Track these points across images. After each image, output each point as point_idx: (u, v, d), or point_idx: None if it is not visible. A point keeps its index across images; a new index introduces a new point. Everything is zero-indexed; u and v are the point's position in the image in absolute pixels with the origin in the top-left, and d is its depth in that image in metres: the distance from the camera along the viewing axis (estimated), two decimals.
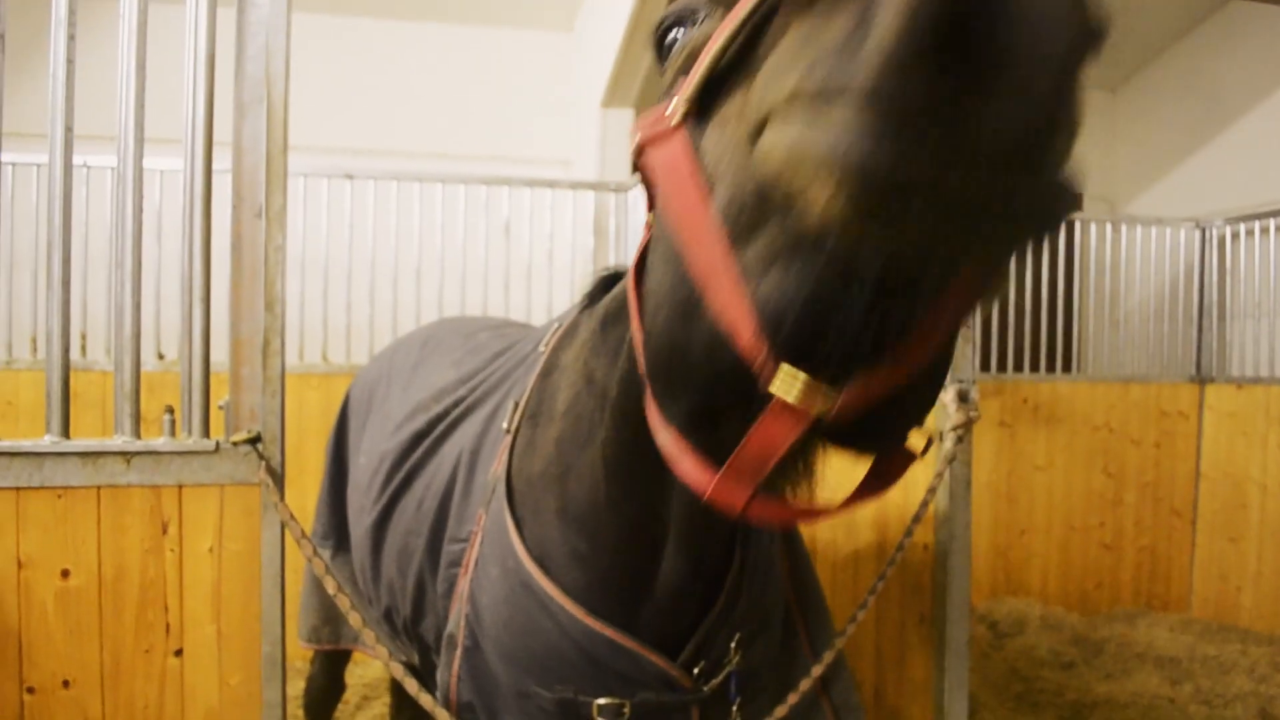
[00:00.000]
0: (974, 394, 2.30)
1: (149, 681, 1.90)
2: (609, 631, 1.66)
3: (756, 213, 0.93)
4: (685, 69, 1.12)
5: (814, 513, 1.19)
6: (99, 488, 1.86)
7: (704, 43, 1.08)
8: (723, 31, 1.01)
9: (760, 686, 1.87)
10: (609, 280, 1.98)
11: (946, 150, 0.69)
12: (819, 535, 2.95)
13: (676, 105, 1.07)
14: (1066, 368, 7.06)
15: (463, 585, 1.88)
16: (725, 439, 1.10)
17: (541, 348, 2.07)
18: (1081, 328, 7.25)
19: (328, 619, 3.01)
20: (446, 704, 1.85)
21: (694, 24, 1.18)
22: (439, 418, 2.39)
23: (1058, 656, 5.90)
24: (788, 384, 0.96)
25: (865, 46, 0.69)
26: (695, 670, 1.71)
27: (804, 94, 0.77)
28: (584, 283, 2.05)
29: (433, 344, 2.92)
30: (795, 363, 0.94)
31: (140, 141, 1.88)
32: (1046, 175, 0.76)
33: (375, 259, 5.80)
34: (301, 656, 4.50)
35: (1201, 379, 6.91)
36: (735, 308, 0.95)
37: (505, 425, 1.95)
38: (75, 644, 1.87)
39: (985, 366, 6.68)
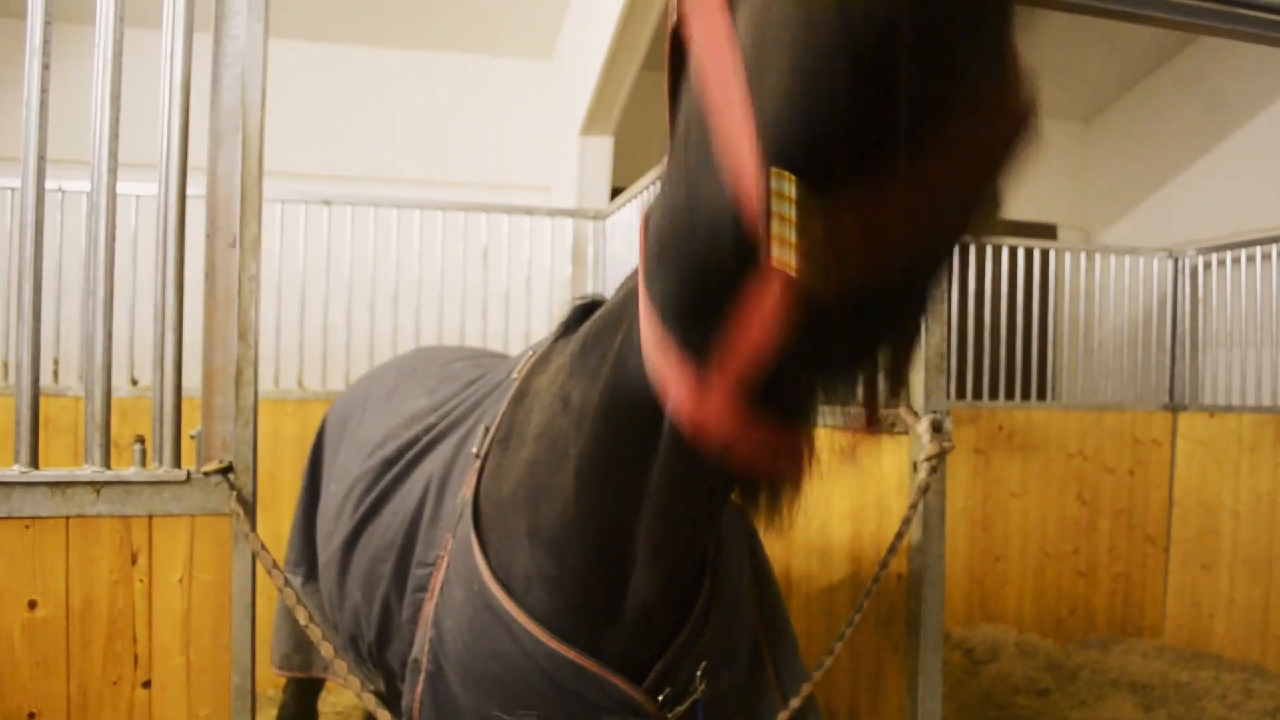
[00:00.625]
0: (948, 424, 2.32)
1: (117, 713, 1.88)
2: (573, 654, 1.65)
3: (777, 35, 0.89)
4: None
5: (804, 450, 1.16)
6: (68, 518, 1.85)
7: None
8: None
9: (728, 716, 1.86)
10: (585, 309, 1.98)
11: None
12: (793, 566, 2.95)
13: None
14: (1041, 395, 7.13)
15: (428, 610, 1.87)
16: (716, 344, 1.06)
17: (514, 375, 2.07)
18: (1056, 356, 7.32)
19: (299, 647, 2.99)
20: None
21: None
22: (409, 444, 2.39)
23: (1032, 683, 5.92)
24: (781, 230, 0.90)
25: None
26: (660, 697, 1.70)
27: None
28: (561, 310, 2.07)
29: (408, 372, 2.92)
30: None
31: (114, 171, 1.88)
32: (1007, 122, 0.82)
33: (352, 285, 5.79)
34: (274, 685, 4.46)
35: (1174, 407, 6.98)
36: (744, 147, 0.91)
37: (475, 450, 1.95)
38: (42, 675, 1.84)
39: (960, 394, 6.72)
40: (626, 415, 1.49)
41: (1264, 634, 6.21)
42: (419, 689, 1.82)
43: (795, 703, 1.95)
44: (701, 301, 1.09)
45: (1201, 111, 8.23)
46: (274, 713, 3.77)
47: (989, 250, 6.72)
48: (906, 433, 2.40)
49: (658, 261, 1.18)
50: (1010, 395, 6.96)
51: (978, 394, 6.78)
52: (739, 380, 1.05)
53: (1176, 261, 7.07)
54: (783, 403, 1.12)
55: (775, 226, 0.90)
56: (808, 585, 2.84)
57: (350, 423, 2.87)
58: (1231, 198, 7.95)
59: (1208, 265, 6.93)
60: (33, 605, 1.84)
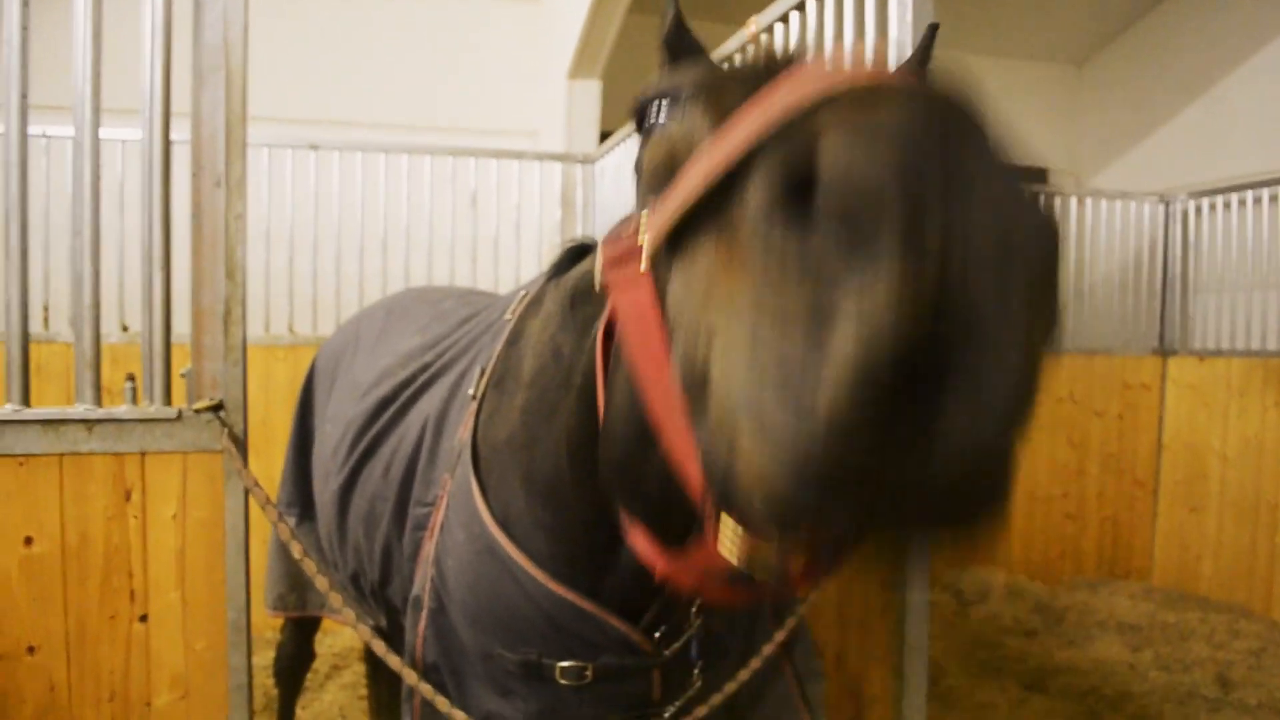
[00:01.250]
0: None
1: (114, 647, 1.91)
2: (572, 596, 1.68)
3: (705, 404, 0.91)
4: (656, 185, 1.09)
5: (761, 594, 1.31)
6: (61, 455, 1.86)
7: (681, 151, 1.05)
8: (690, 184, 0.95)
9: (723, 650, 1.90)
10: (576, 252, 1.99)
11: (883, 497, 0.71)
12: None
13: (645, 249, 1.04)
14: None
15: (428, 549, 1.90)
16: (677, 529, 1.23)
17: (508, 315, 2.08)
18: None
19: (294, 586, 3.03)
20: (413, 664, 1.88)
21: (674, 105, 1.14)
22: (404, 384, 2.41)
23: (1020, 624, 6.01)
24: (728, 538, 1.03)
25: (819, 386, 0.68)
26: (656, 635, 1.73)
27: (758, 409, 0.75)
28: (550, 254, 2.07)
29: (398, 312, 2.93)
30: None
31: (97, 110, 1.87)
32: (976, 504, 0.77)
33: (341, 230, 5.77)
34: (270, 627, 4.51)
35: (1164, 351, 7.02)
36: (686, 459, 0.98)
37: (471, 391, 1.97)
38: (39, 611, 1.87)
39: None
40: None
41: (1250, 576, 6.30)
42: (421, 625, 1.85)
43: (781, 635, 1.99)
44: (657, 515, 1.31)
45: (1193, 56, 8.18)
46: (271, 654, 3.82)
47: None
48: None
49: (616, 485, 1.36)
50: None
51: None
52: (696, 573, 1.24)
53: (1168, 206, 7.07)
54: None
55: (721, 533, 1.03)
56: None
57: (342, 363, 2.88)
58: (1223, 142, 7.93)
59: (1199, 210, 6.92)
60: (29, 541, 1.86)
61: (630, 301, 1.07)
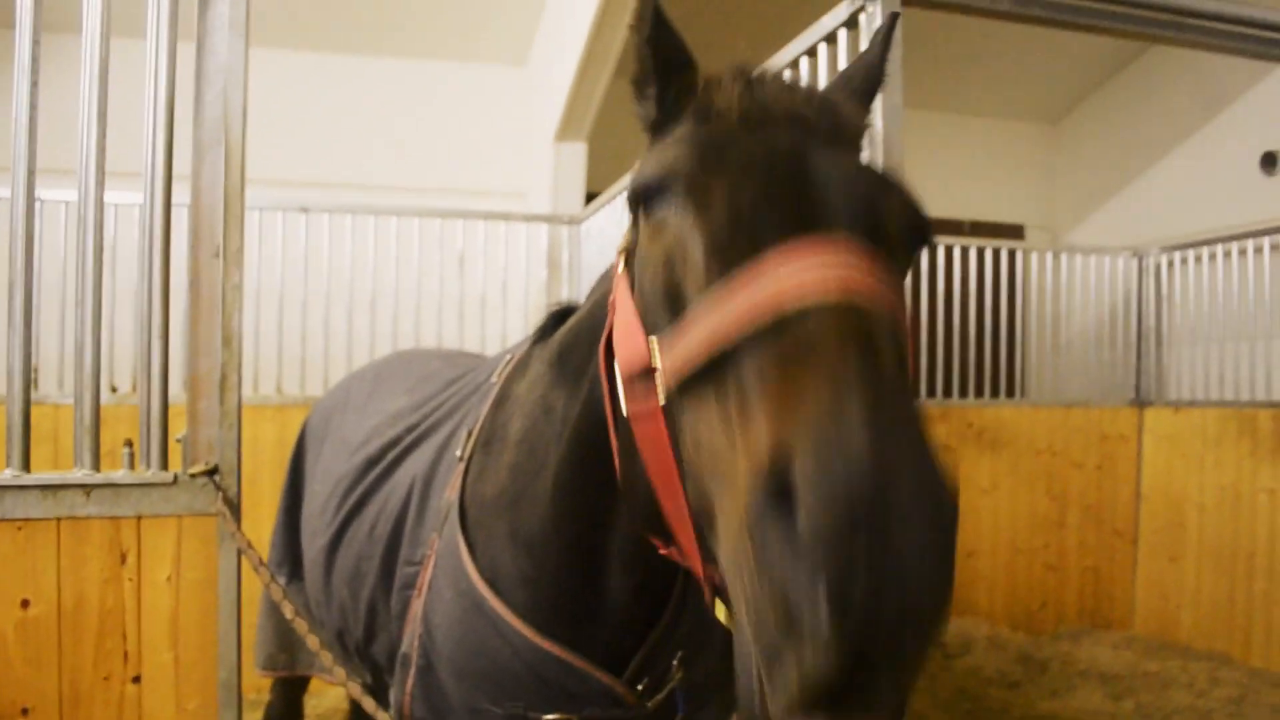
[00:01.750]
0: None
1: (108, 708, 1.94)
2: (557, 650, 1.74)
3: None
4: (658, 297, 1.21)
5: None
6: (59, 519, 1.91)
7: (677, 260, 1.18)
8: (693, 349, 1.09)
9: (705, 701, 1.95)
10: (560, 315, 2.05)
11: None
12: None
13: (659, 389, 1.16)
14: (1010, 393, 7.25)
15: (416, 607, 1.95)
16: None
17: (494, 379, 2.15)
18: (1025, 354, 7.46)
19: (284, 646, 3.05)
20: None
21: (671, 198, 1.22)
22: (392, 443, 2.46)
23: (1004, 675, 6.03)
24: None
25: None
26: (639, 687, 1.79)
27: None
28: (537, 314, 2.15)
29: (387, 374, 2.99)
30: None
31: (101, 185, 1.95)
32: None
33: (330, 291, 5.84)
34: (256, 689, 4.51)
35: (1140, 403, 7.12)
36: (694, 556, 1.19)
37: (459, 453, 2.03)
38: (34, 672, 1.91)
39: (930, 392, 6.84)
40: (602, 430, 1.57)
41: (1230, 624, 6.35)
42: (409, 683, 1.90)
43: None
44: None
45: (1165, 113, 8.41)
46: (258, 715, 3.81)
47: (957, 251, 6.85)
48: None
49: (643, 522, 1.44)
50: (980, 393, 7.08)
51: (948, 392, 6.89)
52: None
53: (1141, 260, 7.22)
54: None
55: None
56: None
57: (332, 423, 2.94)
58: (1195, 196, 8.13)
59: (1171, 264, 7.08)
60: (25, 604, 1.90)
61: (648, 432, 1.19)
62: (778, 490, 0.86)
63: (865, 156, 1.37)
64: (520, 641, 1.76)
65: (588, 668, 1.75)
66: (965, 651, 6.41)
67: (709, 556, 1.16)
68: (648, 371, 1.18)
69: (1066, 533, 6.96)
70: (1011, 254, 7.08)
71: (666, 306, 1.18)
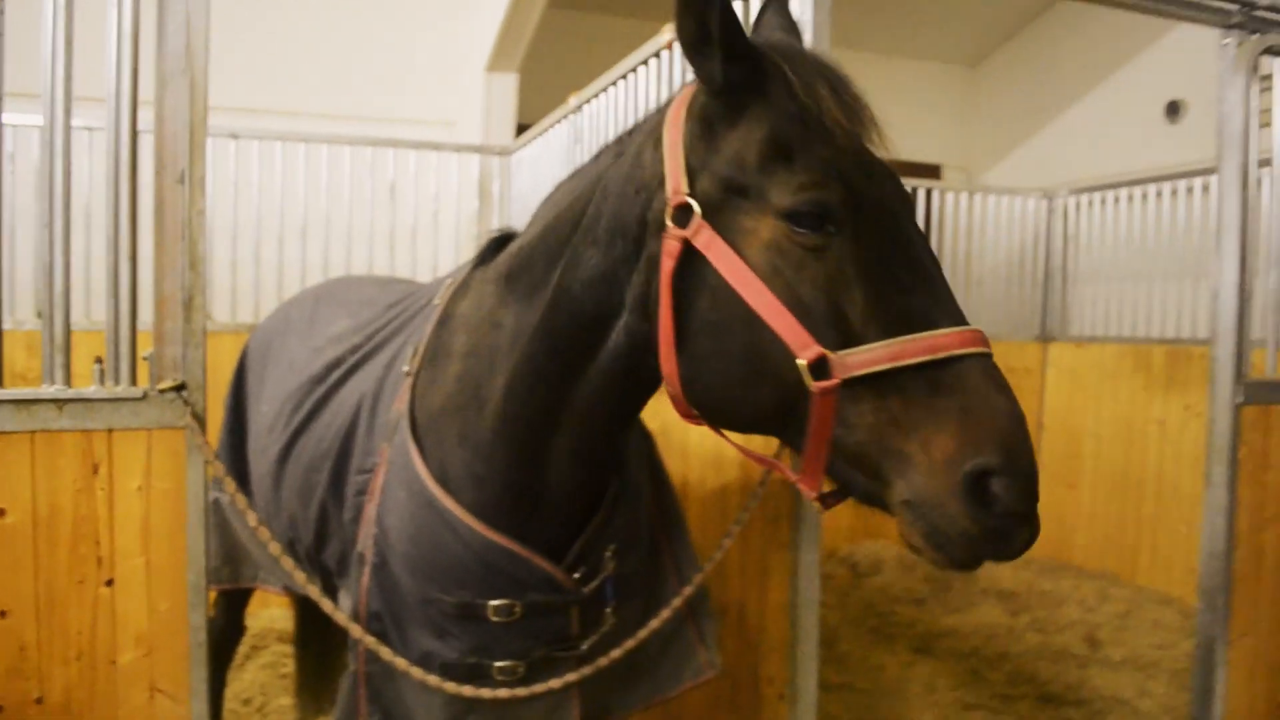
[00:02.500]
0: None
1: (82, 609, 2.06)
2: (503, 541, 1.95)
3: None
4: (834, 312, 1.50)
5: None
6: (33, 433, 2.01)
7: (844, 293, 1.51)
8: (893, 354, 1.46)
9: (632, 593, 2.19)
10: (499, 241, 2.25)
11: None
12: (690, 476, 3.25)
13: (834, 373, 1.48)
14: None
15: (370, 510, 2.12)
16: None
17: (436, 300, 2.31)
18: None
19: (228, 559, 3.16)
20: (356, 615, 2.09)
21: (827, 232, 1.52)
22: (336, 363, 2.60)
23: (910, 593, 6.40)
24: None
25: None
26: (575, 575, 2.02)
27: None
28: (468, 244, 2.32)
29: (326, 298, 3.10)
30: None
31: (68, 110, 2.02)
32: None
33: (260, 219, 5.84)
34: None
35: (1045, 338, 7.48)
36: (816, 473, 1.55)
37: (405, 369, 2.20)
38: (12, 576, 2.01)
39: None
40: (565, 338, 1.83)
41: (1119, 546, 6.81)
42: (365, 580, 2.07)
43: (688, 590, 2.27)
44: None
45: (1078, 59, 8.70)
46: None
47: None
48: None
49: (710, 415, 1.68)
50: None
51: None
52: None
53: (1050, 201, 7.53)
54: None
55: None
56: (703, 491, 3.15)
57: (273, 347, 3.04)
58: (1104, 141, 8.46)
59: (1079, 205, 7.40)
60: (2, 513, 2.00)
61: (824, 402, 1.47)
62: (981, 471, 1.36)
63: None
64: (469, 534, 1.95)
65: (531, 556, 1.96)
66: (875, 571, 6.77)
67: (833, 478, 1.56)
68: (821, 361, 1.47)
69: None
70: (928, 193, 7.33)
71: (829, 316, 1.49)
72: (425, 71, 7.89)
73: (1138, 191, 6.86)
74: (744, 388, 1.57)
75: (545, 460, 1.95)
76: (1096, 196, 7.24)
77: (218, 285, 5.77)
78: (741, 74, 1.59)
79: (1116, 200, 7.06)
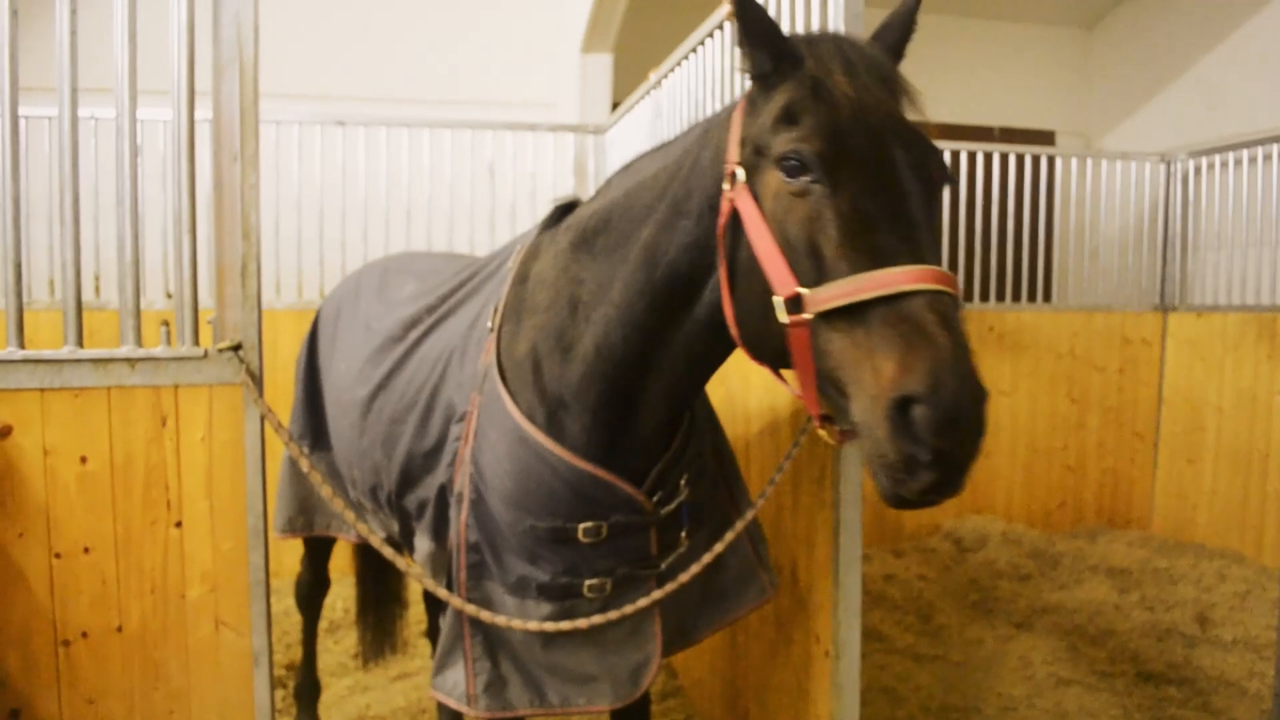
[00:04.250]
0: None
1: (155, 548, 2.30)
2: (590, 468, 2.15)
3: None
4: (811, 253, 1.68)
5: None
6: (109, 389, 2.25)
7: (820, 232, 1.67)
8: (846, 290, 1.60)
9: (702, 520, 2.40)
10: (564, 208, 2.47)
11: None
12: (750, 436, 3.33)
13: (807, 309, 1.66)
14: (1034, 297, 7.35)
15: (464, 452, 2.33)
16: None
17: (510, 264, 2.51)
18: (1049, 259, 7.54)
19: (302, 509, 3.40)
20: (456, 545, 2.29)
21: (812, 178, 1.69)
22: (412, 322, 2.82)
23: (1016, 569, 6.25)
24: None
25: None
26: (655, 498, 2.22)
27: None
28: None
29: (394, 268, 3.31)
30: None
31: (134, 100, 2.24)
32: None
33: (368, 201, 6.13)
34: (276, 573, 4.90)
35: (1164, 307, 7.19)
36: (813, 401, 1.69)
37: (489, 324, 2.40)
38: (93, 518, 2.26)
39: None
40: (665, 294, 2.04)
41: (1243, 523, 6.51)
42: (464, 514, 2.28)
43: (750, 513, 2.43)
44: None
45: (1198, 17, 8.28)
46: (289, 602, 4.12)
47: (981, 157, 6.92)
48: None
49: (749, 346, 1.88)
50: (1001, 297, 7.20)
51: (968, 296, 7.04)
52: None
53: (1169, 166, 7.23)
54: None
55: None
56: (761, 452, 3.23)
57: (344, 311, 3.25)
58: (1226, 101, 8.04)
59: (1198, 169, 7.08)
60: (84, 460, 2.25)
61: (798, 334, 1.65)
62: (905, 399, 1.46)
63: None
64: (559, 463, 2.16)
65: (615, 480, 2.17)
66: (980, 546, 6.63)
67: (827, 403, 1.70)
68: (796, 298, 1.64)
69: (1086, 435, 7.11)
70: (1036, 160, 7.14)
71: (809, 255, 1.67)
72: (522, 55, 8.08)
73: (1260, 152, 6.52)
74: (758, 323, 1.78)
75: (637, 399, 2.15)
76: (1217, 159, 6.91)
77: (329, 265, 6.09)
78: (774, 62, 1.81)
79: (1238, 163, 6.72)
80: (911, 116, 1.78)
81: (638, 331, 2.07)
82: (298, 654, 4.22)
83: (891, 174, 1.67)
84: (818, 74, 1.74)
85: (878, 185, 1.65)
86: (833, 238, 1.63)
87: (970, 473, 1.50)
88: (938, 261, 1.61)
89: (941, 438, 1.43)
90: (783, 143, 1.71)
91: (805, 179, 1.68)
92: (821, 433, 1.77)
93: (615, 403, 2.15)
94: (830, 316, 1.60)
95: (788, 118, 1.74)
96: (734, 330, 1.88)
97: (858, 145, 1.66)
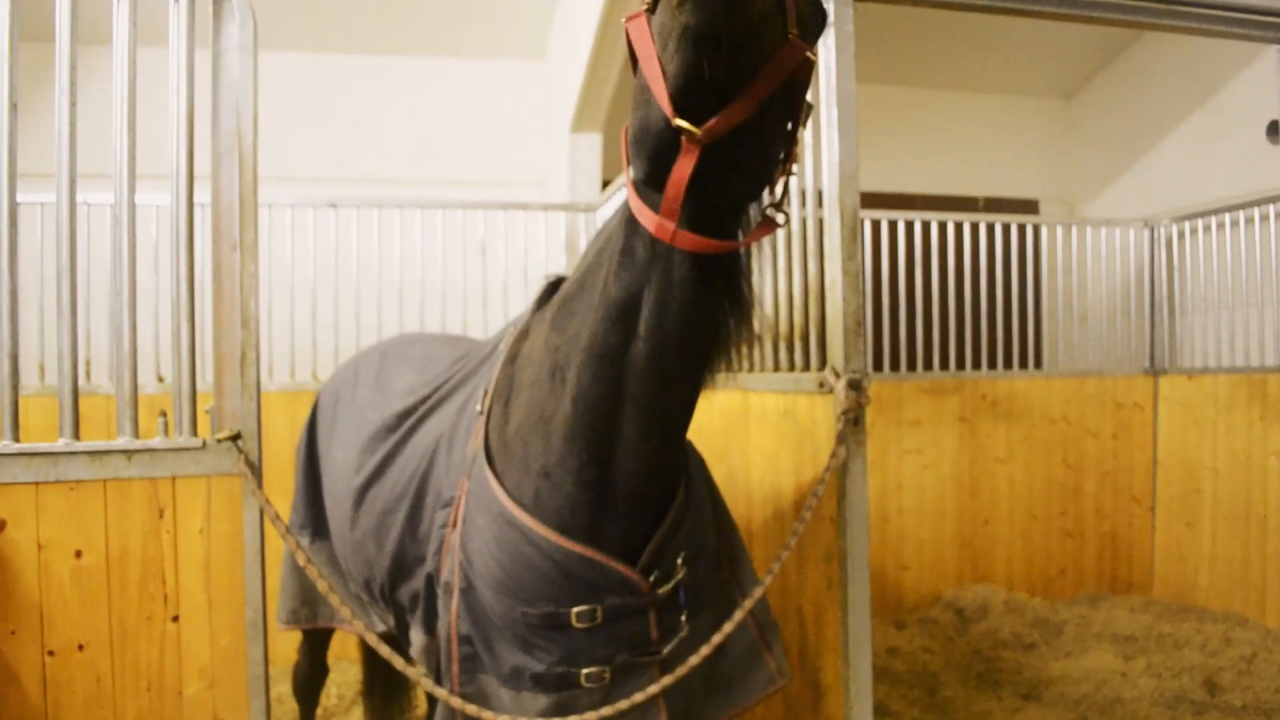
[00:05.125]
0: (865, 383, 2.64)
1: (151, 643, 2.24)
2: (579, 548, 2.07)
3: (668, 41, 1.61)
4: None
5: (720, 243, 1.82)
6: (105, 481, 2.21)
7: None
8: None
9: (705, 604, 2.31)
10: (553, 286, 2.45)
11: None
12: (753, 516, 3.29)
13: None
14: (1029, 365, 7.39)
15: (452, 538, 2.27)
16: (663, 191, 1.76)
17: (502, 347, 2.50)
18: (1038, 326, 7.59)
19: (305, 600, 3.35)
20: (448, 637, 2.22)
21: None
22: (406, 413, 2.78)
23: (1019, 638, 6.18)
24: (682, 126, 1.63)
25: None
26: (650, 578, 2.13)
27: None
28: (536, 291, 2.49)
29: (393, 353, 3.30)
30: (685, 115, 1.61)
31: (132, 190, 2.24)
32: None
33: (360, 282, 6.14)
34: (282, 658, 4.82)
35: (1155, 371, 7.23)
36: (662, 93, 1.63)
37: (479, 408, 2.37)
38: (88, 613, 2.21)
39: (944, 365, 7.02)
40: (611, 327, 1.97)
41: (1245, 585, 6.46)
42: (455, 605, 2.21)
43: (758, 592, 2.35)
44: (653, 171, 1.78)
45: (1175, 84, 8.45)
46: (283, 688, 4.05)
47: (968, 228, 7.00)
48: (833, 391, 2.72)
49: (633, 151, 1.84)
50: (993, 365, 7.23)
51: (960, 365, 7.07)
52: (679, 201, 1.74)
53: (1153, 231, 7.32)
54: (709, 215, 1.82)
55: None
56: (764, 533, 3.20)
57: (342, 398, 3.24)
58: (1206, 166, 8.18)
59: (1181, 234, 7.18)
60: (79, 554, 2.21)
61: (636, 28, 1.71)
62: None
63: None
64: (547, 544, 2.08)
65: (606, 560, 2.08)
66: (982, 616, 6.57)
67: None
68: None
69: (1084, 500, 7.09)
70: (1021, 229, 7.22)
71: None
72: (513, 135, 8.21)
73: (1242, 215, 6.60)
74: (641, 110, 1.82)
75: (615, 443, 2.04)
76: (1200, 223, 6.99)
77: (323, 347, 6.08)
78: None
79: (1220, 226, 6.80)
80: None
81: (605, 359, 1.98)
82: None
83: None
84: None
85: None
86: None
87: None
88: None
89: None
90: None
91: None
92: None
93: (596, 455, 2.05)
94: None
95: None
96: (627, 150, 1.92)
97: None
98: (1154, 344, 7.34)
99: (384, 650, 2.27)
